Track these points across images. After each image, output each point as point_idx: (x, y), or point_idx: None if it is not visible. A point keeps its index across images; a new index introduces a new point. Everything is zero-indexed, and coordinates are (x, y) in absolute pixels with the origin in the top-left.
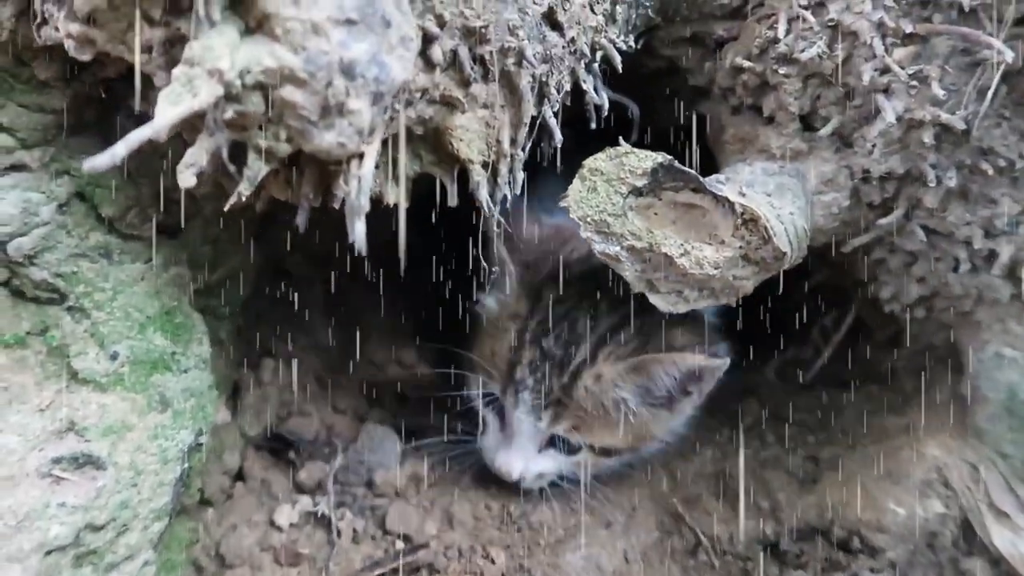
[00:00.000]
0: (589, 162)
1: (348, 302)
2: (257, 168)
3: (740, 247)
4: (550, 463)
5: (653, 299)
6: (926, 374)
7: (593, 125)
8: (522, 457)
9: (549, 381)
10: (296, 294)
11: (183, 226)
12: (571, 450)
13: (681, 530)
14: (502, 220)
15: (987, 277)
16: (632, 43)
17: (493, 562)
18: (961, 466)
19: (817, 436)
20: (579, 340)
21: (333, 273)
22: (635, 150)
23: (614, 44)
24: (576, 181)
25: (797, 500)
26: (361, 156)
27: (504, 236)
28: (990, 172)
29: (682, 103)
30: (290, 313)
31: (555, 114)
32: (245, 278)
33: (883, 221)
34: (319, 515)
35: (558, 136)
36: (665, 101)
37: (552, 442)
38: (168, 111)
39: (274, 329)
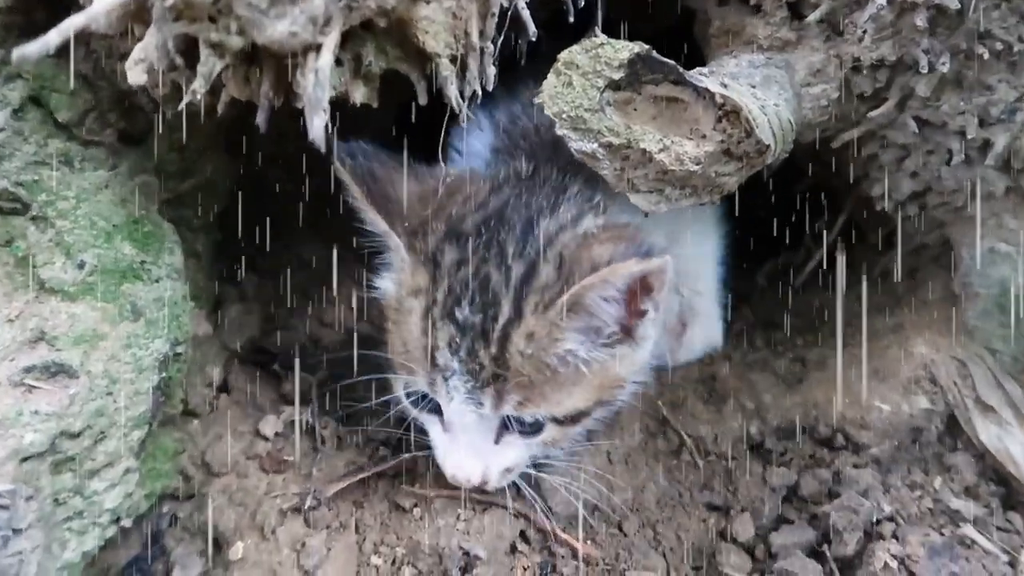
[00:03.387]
0: (564, 55)
1: (331, 216)
2: (211, 64)
3: (721, 141)
4: (513, 452)
5: (633, 199)
6: (918, 274)
7: (571, 19)
8: (477, 456)
9: (477, 357)
10: (278, 208)
11: (147, 133)
12: (533, 430)
13: (666, 432)
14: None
15: (981, 169)
16: None
17: None
18: (949, 363)
19: (805, 338)
20: (497, 298)
21: (313, 185)
22: (611, 40)
23: None
24: (551, 75)
25: (782, 400)
26: (318, 48)
27: (378, 204)
28: (986, 57)
29: None
30: (273, 227)
31: (528, 5)
32: (219, 189)
33: (874, 113)
34: (304, 424)
35: (532, 29)
36: None
37: (507, 426)
38: None
39: (257, 243)
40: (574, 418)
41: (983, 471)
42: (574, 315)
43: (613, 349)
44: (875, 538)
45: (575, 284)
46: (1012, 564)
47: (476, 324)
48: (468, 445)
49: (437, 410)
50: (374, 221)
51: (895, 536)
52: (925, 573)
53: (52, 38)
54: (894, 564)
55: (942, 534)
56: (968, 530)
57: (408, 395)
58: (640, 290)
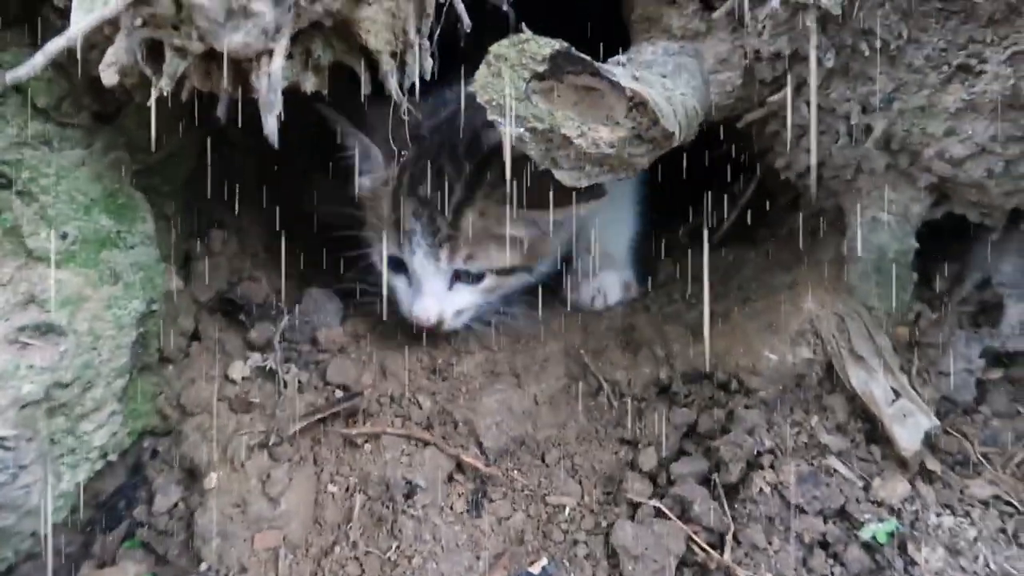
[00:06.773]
0: (494, 48)
1: (293, 171)
2: (175, 64)
3: (632, 127)
4: (463, 297)
5: (558, 175)
6: (816, 236)
7: (505, 7)
8: (435, 298)
9: (435, 222)
10: (242, 167)
11: (118, 113)
12: (477, 279)
13: (587, 377)
14: None
15: (864, 149)
16: None
17: (420, 407)
18: (831, 318)
19: (716, 292)
20: (451, 182)
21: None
22: (535, 37)
23: None
24: (482, 66)
25: (689, 349)
26: (270, 53)
27: (359, 126)
28: (867, 53)
29: None
30: (237, 184)
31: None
32: (187, 155)
33: (773, 98)
34: (268, 369)
35: (467, 21)
36: None
37: (457, 276)
38: (82, 20)
39: (223, 201)
40: (507, 272)
41: (853, 411)
42: (522, 221)
43: (542, 236)
44: (756, 468)
45: (534, 210)
46: (866, 488)
47: (434, 199)
48: (428, 291)
49: (405, 270)
50: (358, 138)
51: (772, 466)
52: (793, 497)
53: (38, 60)
54: (768, 489)
55: (811, 464)
56: (832, 460)
57: (385, 260)
58: None
